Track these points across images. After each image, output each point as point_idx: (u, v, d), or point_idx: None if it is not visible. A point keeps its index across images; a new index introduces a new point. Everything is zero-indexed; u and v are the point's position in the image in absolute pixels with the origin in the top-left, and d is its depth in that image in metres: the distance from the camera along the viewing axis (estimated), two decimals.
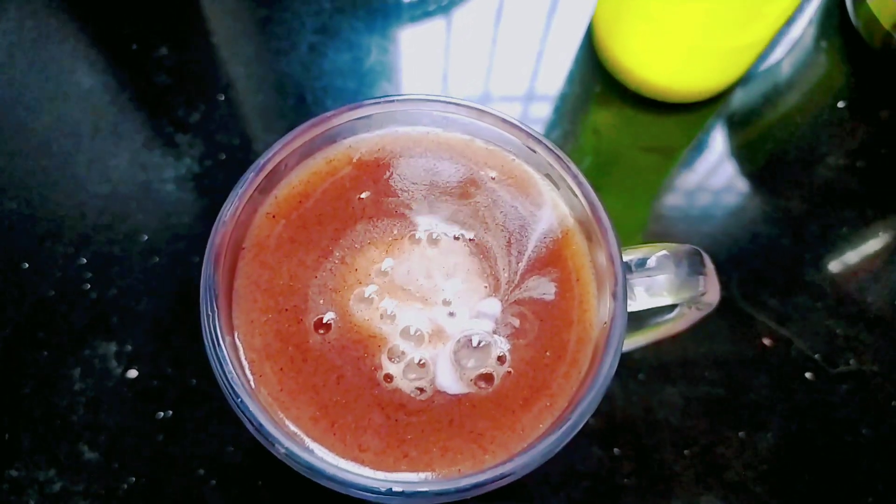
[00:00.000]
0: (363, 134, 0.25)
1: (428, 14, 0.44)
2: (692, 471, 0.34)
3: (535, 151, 0.25)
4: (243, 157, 0.39)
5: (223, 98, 0.40)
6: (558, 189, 0.25)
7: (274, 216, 0.24)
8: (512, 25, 0.44)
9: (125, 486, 0.32)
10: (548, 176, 0.25)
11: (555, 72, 0.44)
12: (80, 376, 0.34)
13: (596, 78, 0.43)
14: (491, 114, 0.25)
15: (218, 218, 0.22)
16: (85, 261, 0.36)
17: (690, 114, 0.42)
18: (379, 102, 0.24)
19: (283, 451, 0.20)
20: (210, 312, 0.21)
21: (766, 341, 0.37)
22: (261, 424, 0.20)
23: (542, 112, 0.43)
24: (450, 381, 0.22)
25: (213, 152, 0.39)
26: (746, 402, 0.35)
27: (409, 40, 0.44)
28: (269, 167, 0.23)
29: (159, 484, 0.33)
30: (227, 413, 0.33)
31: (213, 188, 0.38)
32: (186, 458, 0.33)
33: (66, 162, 0.38)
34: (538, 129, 0.42)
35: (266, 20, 0.43)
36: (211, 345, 0.20)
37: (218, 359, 0.20)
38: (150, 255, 0.37)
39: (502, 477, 0.20)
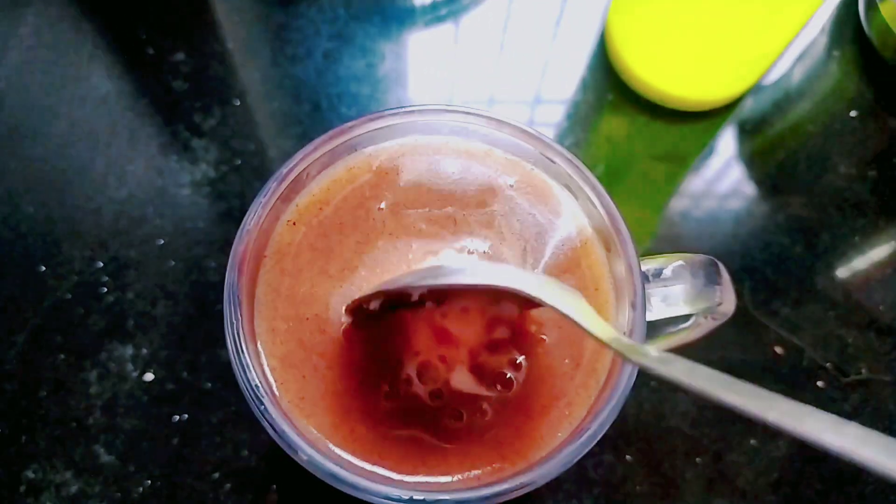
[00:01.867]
0: (383, 143, 0.25)
1: (441, 20, 0.45)
2: (703, 478, 0.34)
3: (553, 161, 0.25)
4: (258, 163, 0.39)
5: (238, 104, 0.41)
6: (577, 199, 0.25)
7: (295, 223, 0.24)
8: (524, 31, 0.45)
9: (141, 488, 0.33)
10: (566, 186, 0.25)
11: (567, 79, 0.44)
12: (97, 379, 0.34)
13: (609, 86, 0.43)
14: (510, 124, 0.25)
15: (241, 226, 0.22)
16: (102, 264, 0.37)
17: (702, 122, 0.43)
18: (399, 113, 0.24)
19: (305, 457, 0.20)
20: (234, 320, 0.21)
21: (778, 350, 0.37)
22: (283, 431, 0.20)
23: (555, 119, 0.43)
24: (468, 388, 0.23)
25: (228, 157, 0.39)
26: None
27: (423, 46, 0.44)
28: (292, 176, 0.23)
29: (174, 487, 0.33)
30: (243, 417, 0.34)
31: (228, 193, 0.39)
32: (201, 461, 0.33)
33: (83, 167, 0.39)
34: (550, 135, 0.42)
35: (282, 26, 0.43)
36: (235, 352, 0.21)
37: (241, 366, 0.20)
38: (166, 259, 0.37)
39: (523, 486, 0.20)
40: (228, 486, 0.33)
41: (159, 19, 0.43)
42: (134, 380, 0.35)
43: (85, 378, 0.34)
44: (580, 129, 0.42)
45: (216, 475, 0.33)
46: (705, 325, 0.27)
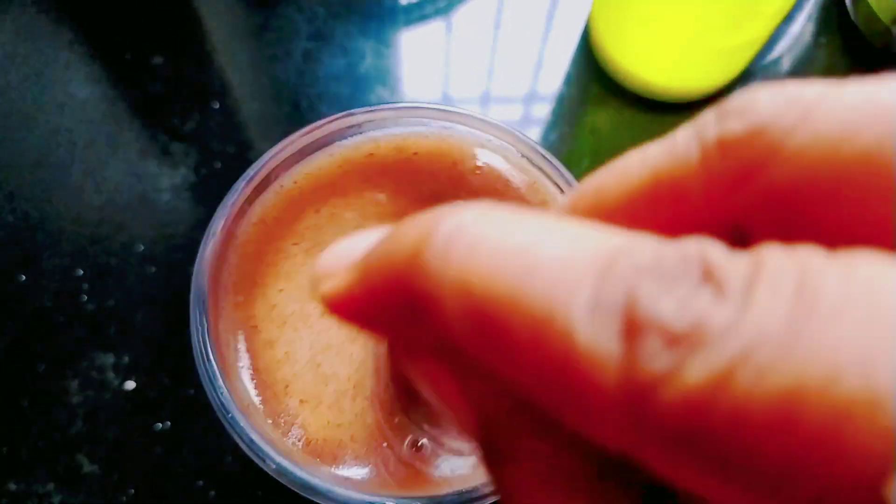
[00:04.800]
0: (352, 139, 0.25)
1: (423, 18, 0.44)
2: None
3: (530, 160, 0.24)
4: (239, 166, 0.39)
5: (218, 106, 0.40)
6: (555, 199, 0.25)
7: (264, 226, 0.24)
8: (507, 28, 0.44)
9: (124, 498, 0.32)
10: (542, 184, 0.25)
11: (552, 73, 0.43)
12: (78, 388, 0.34)
13: (593, 79, 0.43)
14: (486, 121, 0.24)
15: (208, 229, 0.22)
16: (82, 272, 0.36)
17: (689, 113, 0.42)
18: (369, 111, 0.24)
19: (273, 466, 0.19)
20: (199, 326, 0.20)
21: None
22: (251, 440, 0.19)
23: (540, 114, 0.42)
24: None
25: (208, 161, 0.39)
26: None
27: (404, 45, 0.43)
28: (260, 177, 0.23)
29: (159, 495, 0.32)
30: None
31: (209, 197, 0.38)
32: (185, 469, 0.33)
33: (61, 173, 0.38)
34: (536, 131, 0.42)
35: (260, 27, 0.43)
36: (201, 359, 0.20)
37: (207, 374, 0.20)
38: (146, 265, 0.36)
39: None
40: (213, 493, 0.32)
41: (137, 23, 0.42)
42: (116, 388, 0.34)
43: (66, 387, 0.34)
44: (565, 124, 0.42)
45: (200, 483, 0.33)
46: None
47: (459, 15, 0.44)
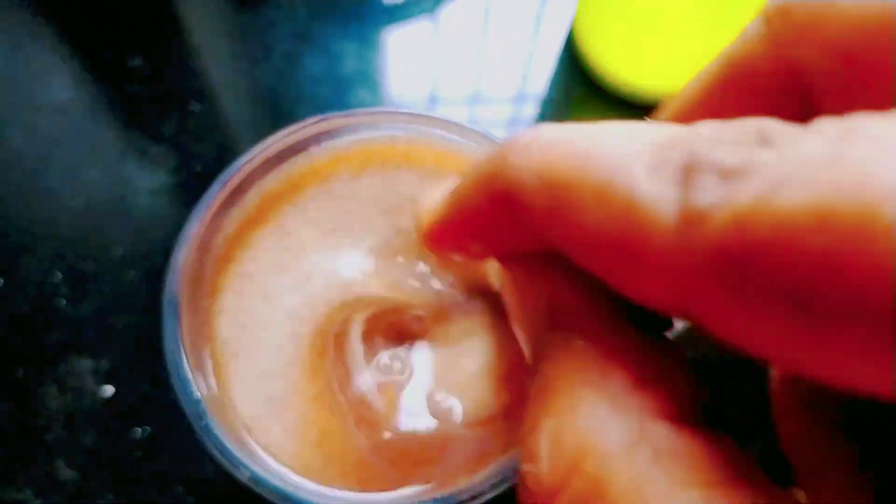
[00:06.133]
0: (329, 142, 0.25)
1: (406, 18, 0.44)
2: None
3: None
4: (219, 168, 0.38)
5: (198, 108, 0.40)
6: None
7: (240, 229, 0.23)
8: (492, 30, 0.44)
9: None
10: None
11: (537, 77, 0.43)
12: (56, 394, 0.34)
13: (577, 81, 0.43)
14: (464, 126, 0.24)
15: (182, 234, 0.22)
16: (60, 276, 0.36)
17: None
18: (346, 115, 0.24)
19: (248, 475, 0.19)
20: (173, 332, 0.20)
21: None
22: (225, 448, 0.19)
23: (526, 116, 0.42)
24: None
25: (187, 163, 0.38)
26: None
27: (388, 46, 0.43)
28: (236, 181, 0.23)
29: (137, 502, 0.32)
30: None
31: (188, 200, 0.37)
32: (165, 475, 0.32)
33: (38, 175, 0.38)
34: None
35: (241, 28, 0.42)
36: (174, 366, 0.20)
37: (181, 381, 0.20)
38: (125, 269, 0.36)
39: (481, 493, 0.19)
40: (192, 499, 0.32)
41: (116, 23, 0.42)
42: (94, 394, 0.34)
43: (44, 393, 0.34)
44: None
45: (180, 489, 0.32)
46: None
47: (444, 16, 0.44)
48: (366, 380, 0.21)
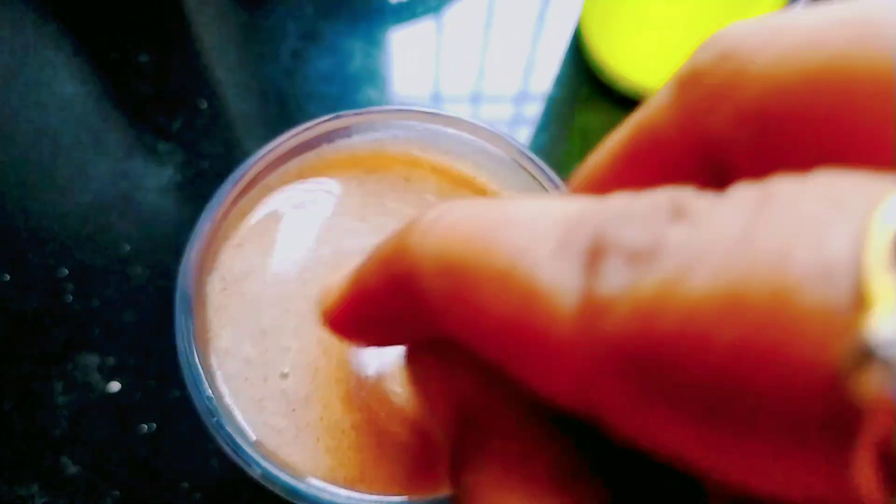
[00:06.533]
0: (339, 141, 0.25)
1: (413, 17, 0.44)
2: None
3: (522, 166, 0.24)
4: (226, 166, 0.39)
5: (205, 105, 0.40)
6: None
7: (250, 229, 0.24)
8: (497, 28, 0.44)
9: (109, 500, 0.32)
10: (530, 188, 0.25)
11: (542, 74, 0.43)
12: (63, 390, 0.34)
13: (583, 80, 0.43)
14: (477, 126, 0.24)
15: (194, 231, 0.22)
16: (67, 272, 0.36)
17: None
18: (358, 113, 0.24)
19: (259, 472, 0.19)
20: (184, 329, 0.20)
21: None
22: (237, 445, 0.19)
23: (531, 114, 0.42)
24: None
25: (195, 160, 0.38)
26: None
27: (394, 44, 0.43)
28: (247, 179, 0.23)
29: (143, 498, 0.32)
30: None
31: (195, 197, 0.38)
32: (170, 471, 0.33)
33: (46, 172, 0.38)
34: (526, 131, 0.42)
35: (249, 26, 0.42)
36: (185, 362, 0.20)
37: (193, 378, 0.20)
38: (131, 265, 0.36)
39: None
40: (198, 495, 0.32)
41: (124, 21, 0.42)
42: (100, 390, 0.34)
43: (50, 389, 0.34)
44: (555, 126, 0.42)
45: (185, 485, 0.32)
46: None
47: (449, 15, 0.44)
48: (374, 376, 0.21)
